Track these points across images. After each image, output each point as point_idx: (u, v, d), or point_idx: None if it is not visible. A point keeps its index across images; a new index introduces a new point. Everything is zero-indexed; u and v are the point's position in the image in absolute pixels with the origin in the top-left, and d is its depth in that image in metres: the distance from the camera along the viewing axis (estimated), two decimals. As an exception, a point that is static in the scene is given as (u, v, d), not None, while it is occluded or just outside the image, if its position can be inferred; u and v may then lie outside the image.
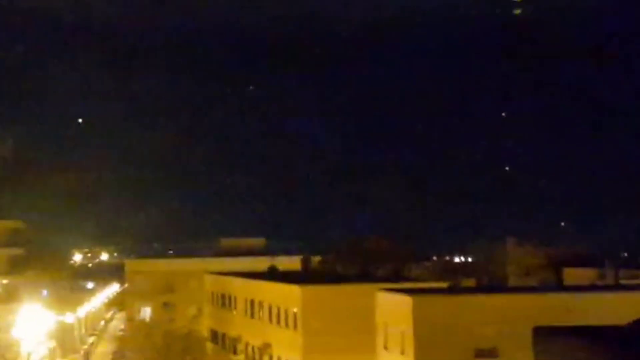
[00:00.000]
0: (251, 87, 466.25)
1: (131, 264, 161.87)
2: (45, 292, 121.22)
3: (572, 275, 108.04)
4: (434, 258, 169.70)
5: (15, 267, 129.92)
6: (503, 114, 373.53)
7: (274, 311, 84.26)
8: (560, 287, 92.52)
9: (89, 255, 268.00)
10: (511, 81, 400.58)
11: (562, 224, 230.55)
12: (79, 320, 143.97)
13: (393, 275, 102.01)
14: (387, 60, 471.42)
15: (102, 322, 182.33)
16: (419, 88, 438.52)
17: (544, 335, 30.05)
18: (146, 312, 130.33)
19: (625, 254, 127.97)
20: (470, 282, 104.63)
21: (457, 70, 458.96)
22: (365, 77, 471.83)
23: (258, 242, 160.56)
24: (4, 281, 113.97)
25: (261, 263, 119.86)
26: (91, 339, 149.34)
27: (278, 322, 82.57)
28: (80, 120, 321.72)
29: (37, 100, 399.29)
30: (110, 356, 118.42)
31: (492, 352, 54.29)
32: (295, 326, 77.61)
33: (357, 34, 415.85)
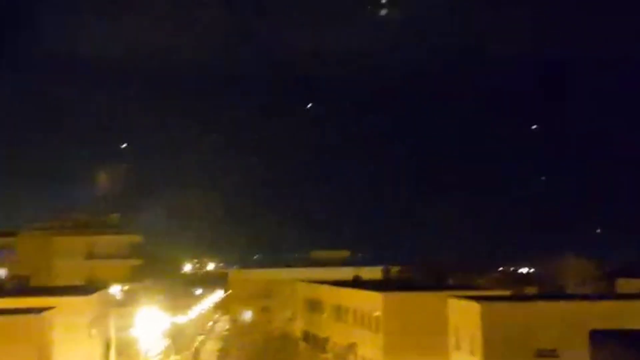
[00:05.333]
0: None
1: (234, 273, 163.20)
2: (161, 297, 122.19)
3: (624, 284, 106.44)
4: (500, 269, 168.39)
5: (135, 275, 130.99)
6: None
7: (358, 315, 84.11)
8: (613, 295, 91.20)
9: (198, 265, 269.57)
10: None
11: (598, 230, 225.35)
12: (189, 321, 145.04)
13: (463, 284, 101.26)
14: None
15: (210, 323, 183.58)
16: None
17: (598, 338, 29.59)
18: (247, 315, 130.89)
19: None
20: (533, 290, 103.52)
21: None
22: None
23: (343, 254, 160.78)
24: (125, 287, 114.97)
25: (346, 273, 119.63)
26: (200, 338, 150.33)
27: (362, 324, 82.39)
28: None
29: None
30: (217, 353, 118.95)
31: (552, 352, 53.74)
32: (377, 328, 77.42)
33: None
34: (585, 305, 65.75)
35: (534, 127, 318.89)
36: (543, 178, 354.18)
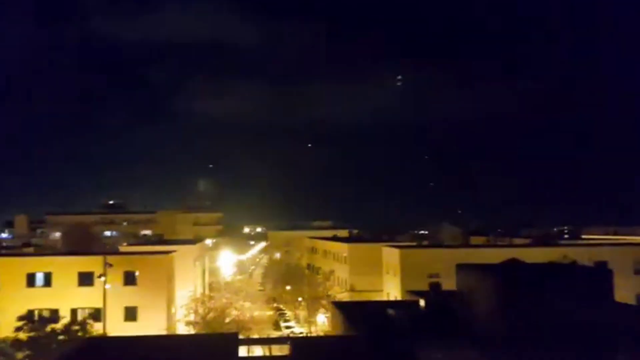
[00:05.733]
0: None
1: (271, 233, 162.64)
2: (232, 246, 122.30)
3: (475, 240, 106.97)
4: (410, 231, 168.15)
5: (219, 234, 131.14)
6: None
7: (336, 255, 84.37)
8: (468, 245, 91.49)
9: (252, 228, 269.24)
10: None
11: (459, 211, 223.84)
12: (247, 258, 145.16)
13: (390, 239, 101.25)
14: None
15: (257, 260, 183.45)
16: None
17: (461, 267, 29.71)
18: (277, 255, 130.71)
19: (499, 230, 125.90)
20: (427, 242, 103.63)
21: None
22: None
23: (328, 223, 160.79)
24: (214, 240, 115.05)
25: (330, 233, 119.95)
26: (252, 267, 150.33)
27: (338, 260, 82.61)
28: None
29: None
30: (261, 275, 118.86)
31: (437, 275, 53.79)
32: (345, 262, 77.66)
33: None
34: (454, 250, 66.15)
35: (426, 157, 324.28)
36: (431, 184, 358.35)
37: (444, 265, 52.01)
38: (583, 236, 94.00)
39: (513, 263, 28.65)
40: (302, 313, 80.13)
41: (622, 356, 19.22)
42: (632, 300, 52.67)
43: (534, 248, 65.86)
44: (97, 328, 47.09)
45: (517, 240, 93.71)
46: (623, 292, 39.86)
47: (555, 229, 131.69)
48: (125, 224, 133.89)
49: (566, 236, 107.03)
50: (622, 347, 19.47)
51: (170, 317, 56.19)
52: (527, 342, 21.35)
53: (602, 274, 25.27)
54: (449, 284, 32.82)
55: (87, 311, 51.82)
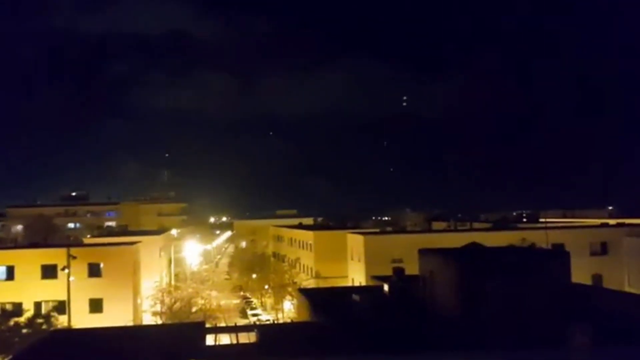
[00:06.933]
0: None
1: (237, 223, 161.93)
2: (197, 235, 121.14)
3: (436, 225, 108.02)
4: (373, 218, 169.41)
5: (183, 224, 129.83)
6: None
7: (301, 243, 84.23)
8: (430, 230, 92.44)
9: (217, 218, 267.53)
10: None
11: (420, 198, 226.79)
12: (212, 248, 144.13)
13: (354, 226, 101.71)
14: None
15: (223, 249, 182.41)
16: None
17: (423, 252, 29.93)
18: (243, 244, 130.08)
19: (459, 215, 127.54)
20: (390, 229, 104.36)
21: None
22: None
23: (293, 212, 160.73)
24: (179, 230, 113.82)
25: (295, 221, 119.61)
26: (218, 257, 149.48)
27: (303, 247, 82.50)
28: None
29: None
30: (227, 264, 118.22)
31: (400, 260, 54.24)
32: (311, 249, 77.62)
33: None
34: (416, 236, 66.78)
35: (385, 143, 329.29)
36: (392, 169, 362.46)
37: (407, 250, 52.32)
38: (541, 220, 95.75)
39: (473, 247, 28.98)
40: (269, 301, 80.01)
41: (579, 336, 19.65)
42: (588, 281, 54.05)
43: (493, 232, 66.62)
44: (61, 321, 46.24)
45: (477, 225, 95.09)
46: (579, 273, 40.83)
47: (514, 213, 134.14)
48: (88, 215, 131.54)
49: (524, 220, 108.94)
50: (579, 328, 19.90)
51: (136, 308, 55.46)
52: (488, 324, 21.65)
53: (559, 256, 25.78)
54: (412, 268, 33.06)
55: (51, 304, 50.82)
